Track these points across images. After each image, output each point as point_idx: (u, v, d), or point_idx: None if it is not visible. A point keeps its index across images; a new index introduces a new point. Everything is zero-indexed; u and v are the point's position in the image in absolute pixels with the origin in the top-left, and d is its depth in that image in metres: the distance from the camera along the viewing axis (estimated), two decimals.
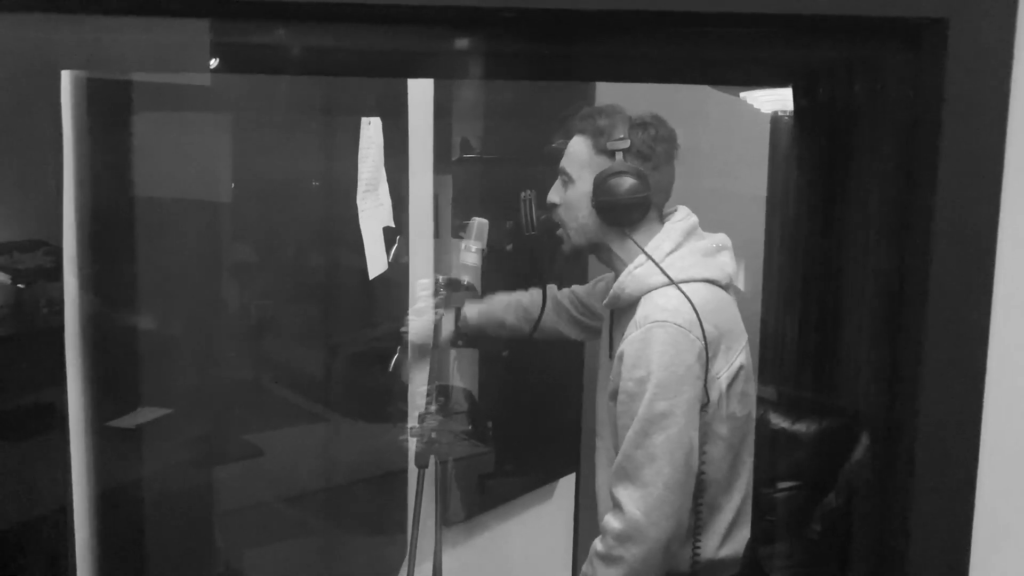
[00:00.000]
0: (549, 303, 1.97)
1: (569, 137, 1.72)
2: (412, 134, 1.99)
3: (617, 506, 1.57)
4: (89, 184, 1.45)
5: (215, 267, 1.99)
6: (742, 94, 1.55)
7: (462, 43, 0.93)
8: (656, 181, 1.64)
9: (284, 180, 1.98)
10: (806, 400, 1.34)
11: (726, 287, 1.67)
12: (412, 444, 1.93)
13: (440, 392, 1.98)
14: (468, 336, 2.05)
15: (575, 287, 2.01)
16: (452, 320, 1.96)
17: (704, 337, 1.54)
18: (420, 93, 1.99)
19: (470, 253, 1.86)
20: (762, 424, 1.65)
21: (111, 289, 1.59)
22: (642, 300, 1.62)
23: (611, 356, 1.69)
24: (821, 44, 0.86)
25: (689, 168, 1.72)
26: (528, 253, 2.20)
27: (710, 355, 1.56)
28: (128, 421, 1.76)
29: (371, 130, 1.94)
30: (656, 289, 1.61)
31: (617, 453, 1.60)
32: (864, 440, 1.02)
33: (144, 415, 1.79)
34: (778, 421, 1.62)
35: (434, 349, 1.97)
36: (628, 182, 1.61)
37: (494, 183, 2.31)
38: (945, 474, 0.79)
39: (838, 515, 1.48)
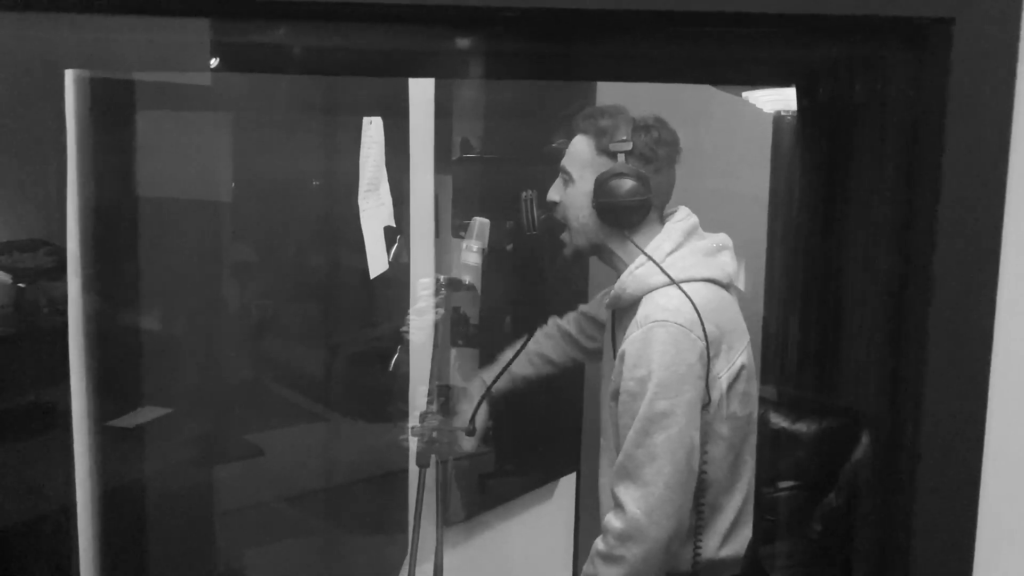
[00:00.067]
0: (557, 335, 1.99)
1: (571, 136, 1.72)
2: (413, 133, 1.99)
3: (618, 505, 1.57)
4: (91, 184, 1.45)
5: (216, 267, 1.99)
6: (744, 94, 1.55)
7: (463, 42, 0.93)
8: (657, 184, 1.64)
9: (285, 180, 1.98)
10: (808, 400, 1.34)
11: (727, 287, 1.67)
12: (413, 443, 1.93)
13: (441, 392, 1.98)
14: (470, 337, 2.05)
15: (581, 307, 2.01)
16: (477, 395, 1.94)
17: (705, 337, 1.54)
18: (421, 92, 1.99)
19: (471, 253, 1.85)
20: (764, 424, 1.65)
21: (113, 288, 1.59)
22: (643, 300, 1.62)
23: (614, 356, 1.69)
24: (825, 44, 0.86)
25: (691, 168, 1.72)
26: (528, 253, 2.20)
27: (711, 355, 1.56)
28: (128, 421, 1.76)
29: (372, 129, 1.94)
30: (657, 289, 1.61)
31: (618, 453, 1.60)
32: (866, 440, 1.02)
33: (144, 415, 1.79)
34: (780, 421, 1.62)
35: (435, 349, 1.97)
36: (629, 184, 1.61)
37: (494, 183, 2.31)
38: (949, 474, 0.79)
39: (839, 515, 1.48)
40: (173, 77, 1.61)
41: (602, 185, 1.63)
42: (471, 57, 1.00)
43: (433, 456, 1.92)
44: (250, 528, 2.01)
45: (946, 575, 0.79)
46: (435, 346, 1.96)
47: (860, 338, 0.93)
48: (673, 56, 0.95)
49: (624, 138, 1.63)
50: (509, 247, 2.07)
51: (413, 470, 1.96)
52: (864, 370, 0.92)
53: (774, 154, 1.29)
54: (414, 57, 1.01)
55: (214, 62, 0.93)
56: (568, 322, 2.01)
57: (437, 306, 1.96)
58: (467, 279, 1.90)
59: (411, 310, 2.00)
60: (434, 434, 1.90)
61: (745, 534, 1.68)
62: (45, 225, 1.57)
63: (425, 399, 1.94)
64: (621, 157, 1.63)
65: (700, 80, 1.17)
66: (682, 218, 1.69)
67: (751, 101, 1.53)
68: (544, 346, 2.00)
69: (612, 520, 1.57)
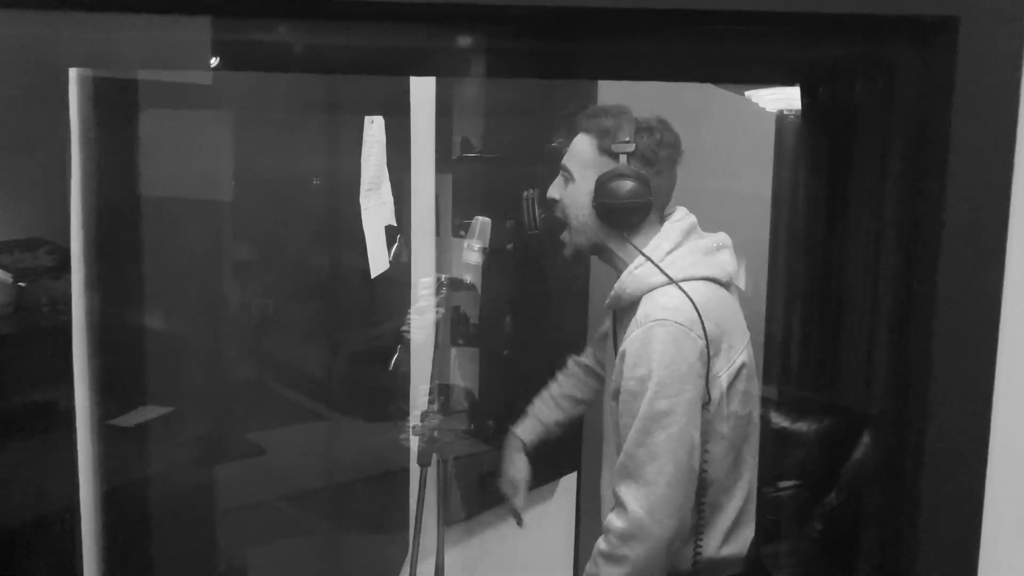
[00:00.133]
0: (578, 371, 2.01)
1: (572, 135, 1.72)
2: (414, 132, 1.99)
3: (620, 505, 1.57)
4: (94, 183, 1.44)
5: (218, 266, 1.99)
6: (747, 93, 1.55)
7: (465, 41, 0.93)
8: (658, 186, 1.64)
9: (287, 179, 1.98)
10: (811, 399, 1.34)
11: (727, 285, 1.67)
12: (414, 442, 1.93)
13: (441, 391, 1.98)
14: (471, 336, 2.05)
15: (595, 335, 2.02)
16: (518, 454, 1.95)
17: (705, 335, 1.54)
18: (422, 91, 1.99)
19: (472, 252, 1.85)
20: (766, 423, 1.65)
21: (114, 287, 1.59)
22: (643, 299, 1.62)
23: (615, 356, 1.69)
24: (829, 42, 0.86)
25: (693, 167, 1.71)
26: (529, 252, 2.20)
27: (711, 353, 1.56)
28: (128, 420, 1.75)
29: (374, 129, 1.94)
30: (657, 288, 1.61)
31: (619, 452, 1.60)
32: (866, 439, 1.02)
33: (144, 414, 1.78)
34: (783, 420, 1.62)
35: (436, 348, 1.97)
36: (630, 186, 1.61)
37: (494, 182, 2.31)
38: (954, 474, 0.79)
39: (841, 514, 1.48)
40: (175, 76, 1.60)
41: (603, 186, 1.63)
42: (473, 55, 0.99)
43: (434, 455, 1.92)
44: (251, 527, 2.01)
45: (951, 573, 0.79)
46: (436, 346, 1.96)
47: (864, 338, 0.92)
48: (676, 55, 0.95)
49: (627, 139, 1.63)
50: (509, 246, 2.07)
51: (414, 469, 1.97)
52: (868, 370, 0.92)
53: (777, 153, 1.29)
54: (416, 55, 1.00)
55: (214, 61, 0.93)
56: (586, 356, 2.03)
57: (438, 305, 1.96)
58: (468, 278, 1.91)
59: (412, 309, 2.00)
60: (435, 433, 1.90)
61: (746, 533, 1.68)
62: (46, 224, 1.57)
63: (426, 398, 1.94)
64: (623, 158, 1.63)
65: (703, 79, 1.17)
66: (680, 218, 1.69)
67: (753, 100, 1.53)
68: (568, 387, 2.01)
69: (614, 519, 1.57)
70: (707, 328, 1.54)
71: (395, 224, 2.03)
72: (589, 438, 2.41)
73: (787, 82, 1.09)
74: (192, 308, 1.90)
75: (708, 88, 1.17)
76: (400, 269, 2.05)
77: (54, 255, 1.63)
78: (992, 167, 0.76)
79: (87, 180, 1.43)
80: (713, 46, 0.90)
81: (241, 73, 1.62)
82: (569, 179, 1.70)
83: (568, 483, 2.61)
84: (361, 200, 1.93)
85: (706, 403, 1.57)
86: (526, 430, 1.97)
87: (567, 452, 2.56)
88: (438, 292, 1.96)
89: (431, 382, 1.97)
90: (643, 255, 1.63)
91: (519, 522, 1.98)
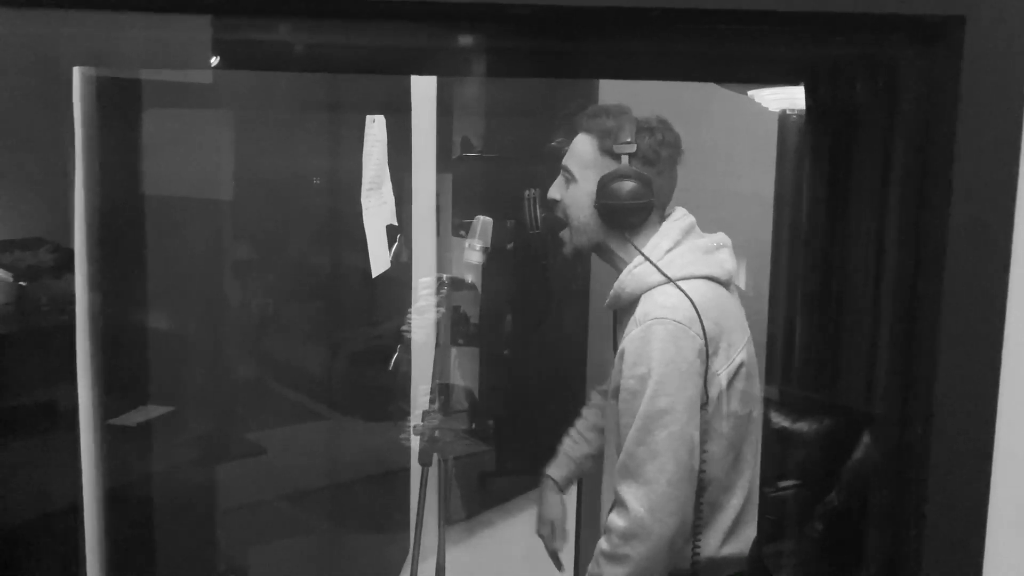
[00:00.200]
0: (603, 401, 1.98)
1: (572, 135, 1.72)
2: (415, 132, 1.98)
3: (621, 504, 1.57)
4: (97, 182, 1.44)
5: (220, 265, 1.99)
6: (749, 92, 1.55)
7: (466, 40, 0.93)
8: (659, 186, 1.64)
9: (289, 178, 1.98)
10: (814, 399, 1.33)
11: (726, 284, 1.67)
12: (415, 442, 1.93)
13: (441, 391, 1.98)
14: (471, 336, 2.05)
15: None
16: (553, 494, 1.95)
17: (704, 334, 1.54)
18: (423, 90, 1.99)
19: (474, 252, 1.85)
20: (767, 423, 1.65)
21: (116, 287, 1.59)
22: (642, 298, 1.62)
23: (614, 355, 1.69)
24: (834, 41, 0.86)
25: (695, 167, 1.71)
26: (529, 251, 2.20)
27: (710, 352, 1.56)
28: (129, 419, 1.75)
29: (375, 128, 1.94)
30: (656, 287, 1.61)
31: (619, 451, 1.60)
32: (867, 439, 1.02)
33: (145, 413, 1.78)
34: (784, 420, 1.62)
35: (437, 348, 1.97)
36: (632, 187, 1.61)
37: (495, 181, 2.31)
38: (959, 474, 0.79)
39: (840, 514, 1.48)
40: (177, 75, 1.60)
41: (605, 187, 1.63)
42: (474, 54, 0.99)
43: (435, 454, 1.92)
44: (252, 526, 2.01)
45: (955, 572, 0.79)
46: (437, 345, 1.96)
47: (868, 338, 0.92)
48: (680, 54, 0.95)
49: (628, 140, 1.63)
50: (509, 246, 2.07)
51: (414, 469, 1.97)
52: (871, 371, 0.92)
53: (779, 153, 1.29)
54: (417, 54, 1.00)
55: (215, 60, 0.93)
56: (607, 384, 2.02)
57: (438, 305, 1.96)
58: (470, 278, 1.91)
59: (412, 309, 2.00)
60: (436, 432, 1.90)
61: (748, 533, 1.68)
62: (46, 223, 1.57)
63: (426, 398, 1.94)
64: (625, 159, 1.63)
65: (707, 78, 1.17)
66: (679, 217, 1.69)
67: (756, 99, 1.53)
68: (592, 418, 2.00)
69: (615, 519, 1.57)
70: (706, 326, 1.54)
71: (396, 224, 2.03)
72: None
73: (790, 81, 1.09)
74: (193, 307, 1.90)
75: (710, 87, 1.17)
76: (400, 269, 2.05)
77: (54, 254, 1.63)
78: (997, 167, 0.76)
79: (89, 179, 1.42)
80: (716, 45, 0.89)
81: (242, 72, 1.62)
82: (570, 180, 1.69)
83: None
84: (362, 200, 1.93)
85: (704, 404, 1.57)
86: (557, 469, 1.95)
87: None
88: (439, 292, 1.96)
89: (432, 382, 1.97)
90: (642, 255, 1.63)
91: (559, 566, 1.96)
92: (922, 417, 0.79)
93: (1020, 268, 0.76)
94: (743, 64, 1.00)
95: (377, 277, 2.00)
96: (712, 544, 1.65)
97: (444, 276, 1.97)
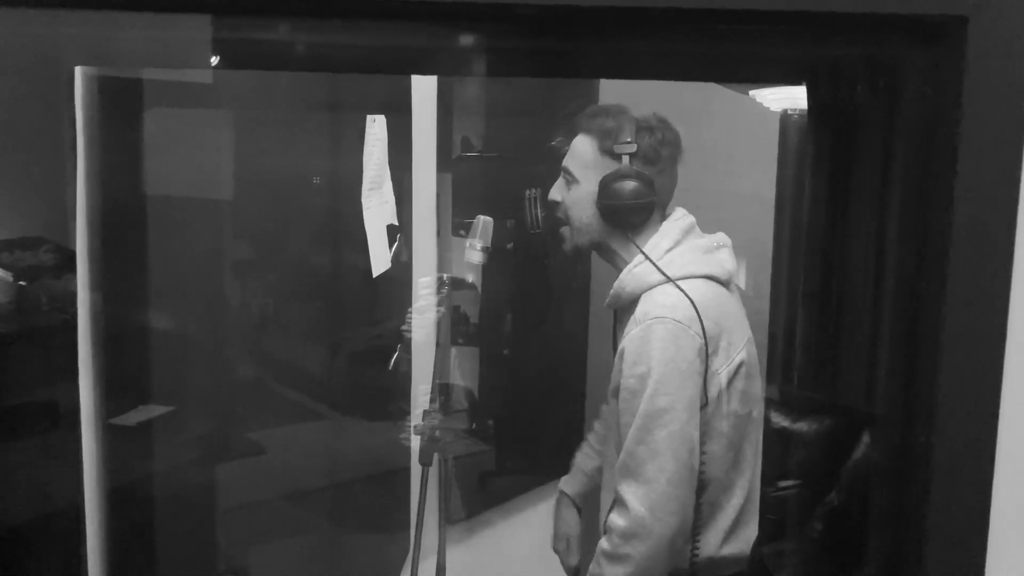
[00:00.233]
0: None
1: (571, 135, 1.72)
2: (415, 131, 1.98)
3: (621, 503, 1.57)
4: (98, 182, 1.44)
5: (220, 265, 1.99)
6: (751, 92, 1.55)
7: (467, 39, 0.93)
8: (661, 185, 1.65)
9: (289, 178, 1.98)
10: (815, 400, 1.33)
11: (726, 284, 1.67)
12: (415, 441, 1.93)
13: (442, 390, 1.98)
14: (470, 335, 2.05)
15: None
16: (568, 510, 1.94)
17: (704, 333, 1.54)
18: (424, 90, 1.99)
19: (475, 252, 1.85)
20: (768, 423, 1.65)
21: (116, 286, 1.58)
22: (642, 297, 1.62)
23: (614, 355, 1.69)
24: (836, 41, 0.86)
25: (696, 167, 1.72)
26: (529, 251, 2.20)
27: (710, 351, 1.56)
28: (129, 419, 1.75)
29: (376, 127, 1.94)
30: (656, 287, 1.61)
31: (619, 451, 1.60)
32: (871, 439, 1.02)
33: (145, 413, 1.78)
34: (785, 420, 1.62)
35: (437, 347, 1.97)
36: (634, 187, 1.61)
37: (494, 181, 2.31)
38: (961, 475, 0.79)
39: (840, 514, 1.48)
40: (178, 75, 1.60)
41: (607, 187, 1.63)
42: (474, 54, 0.99)
43: (436, 454, 1.92)
44: (252, 526, 2.01)
45: (958, 572, 0.79)
46: (437, 345, 1.96)
47: (870, 338, 0.92)
48: (681, 54, 0.94)
49: (628, 139, 1.63)
50: (509, 245, 2.07)
51: (415, 469, 1.96)
52: (874, 371, 0.92)
53: (781, 153, 1.29)
54: (417, 54, 1.00)
55: (215, 60, 0.93)
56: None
57: (438, 304, 1.96)
58: (470, 278, 1.91)
59: (412, 308, 2.00)
60: (436, 432, 1.90)
61: (748, 533, 1.68)
62: (46, 223, 1.56)
63: (427, 397, 1.94)
64: (625, 159, 1.63)
65: (709, 78, 1.17)
66: (679, 217, 1.69)
67: (757, 99, 1.53)
68: (604, 432, 1.99)
69: (616, 518, 1.57)
70: (706, 326, 1.54)
71: (397, 223, 2.03)
72: None
73: (792, 81, 1.09)
74: (193, 307, 1.89)
75: (711, 87, 1.17)
76: (401, 268, 2.05)
77: (54, 254, 1.63)
78: (1000, 167, 0.76)
79: (91, 179, 1.42)
80: (718, 45, 0.89)
81: (243, 72, 1.62)
82: (571, 181, 1.69)
83: None
84: (363, 199, 1.93)
85: (703, 404, 1.57)
86: (571, 484, 1.95)
87: (567, 452, 2.56)
88: (439, 291, 1.96)
89: (432, 381, 1.97)
90: (643, 253, 1.64)
91: None
92: (924, 417, 0.79)
93: (1023, 268, 0.76)
94: (745, 64, 1.00)
95: (377, 277, 2.00)
96: (711, 544, 1.65)
97: (444, 276, 1.97)
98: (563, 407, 2.52)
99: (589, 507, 1.95)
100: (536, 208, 1.78)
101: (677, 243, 1.65)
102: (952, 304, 0.76)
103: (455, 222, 2.18)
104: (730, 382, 1.61)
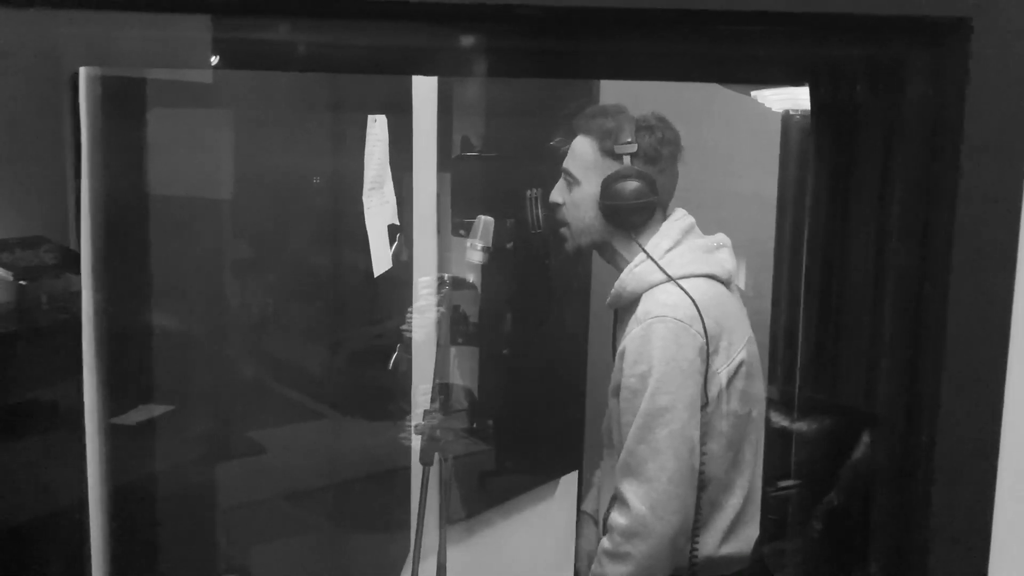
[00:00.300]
0: None
1: (571, 136, 1.72)
2: (416, 131, 1.98)
3: (622, 502, 1.57)
4: (100, 181, 1.44)
5: (220, 264, 1.98)
6: (753, 93, 1.55)
7: (468, 40, 0.93)
8: (662, 184, 1.65)
9: (290, 178, 1.98)
10: (817, 400, 1.34)
11: (727, 283, 1.67)
12: (415, 441, 1.93)
13: (441, 390, 1.98)
14: (470, 335, 2.05)
15: None
16: (589, 527, 1.93)
17: (705, 332, 1.54)
18: (424, 90, 1.98)
19: (476, 251, 1.85)
20: (769, 423, 1.65)
21: (117, 286, 1.58)
22: (643, 297, 1.62)
23: (615, 354, 1.69)
24: (838, 43, 0.86)
25: (698, 168, 1.72)
26: (529, 251, 2.19)
27: (711, 350, 1.56)
28: (130, 418, 1.75)
29: (377, 127, 1.93)
30: (656, 286, 1.61)
31: (620, 450, 1.60)
32: (872, 439, 1.02)
33: (145, 412, 1.78)
34: (785, 420, 1.62)
35: (438, 347, 1.97)
36: (636, 187, 1.62)
37: (494, 181, 2.31)
38: (964, 475, 0.79)
39: (839, 514, 1.47)
40: (180, 75, 1.60)
41: (608, 187, 1.63)
42: (475, 55, 0.99)
43: (436, 454, 1.92)
44: (252, 526, 2.01)
45: (960, 571, 0.79)
46: (437, 345, 1.96)
47: (873, 338, 0.92)
48: (682, 54, 0.94)
49: (628, 140, 1.63)
50: (509, 245, 2.07)
51: (415, 468, 1.96)
52: (876, 370, 0.92)
53: (783, 153, 1.29)
54: (418, 54, 1.00)
55: (215, 60, 0.93)
56: None
57: (438, 304, 1.96)
58: (471, 278, 1.91)
59: (412, 308, 2.00)
60: (437, 432, 1.90)
61: (747, 532, 1.68)
62: (46, 222, 1.56)
63: (427, 397, 1.94)
64: (626, 159, 1.63)
65: (710, 79, 1.17)
66: (679, 217, 1.70)
67: (759, 100, 1.53)
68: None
69: (617, 517, 1.57)
70: (707, 325, 1.55)
71: (398, 223, 2.03)
72: (589, 438, 2.42)
73: (794, 82, 1.09)
74: (194, 306, 1.89)
75: (712, 88, 1.17)
76: (401, 268, 2.05)
77: (55, 253, 1.62)
78: (1003, 168, 0.76)
79: (93, 178, 1.42)
80: (719, 45, 0.89)
81: (243, 72, 1.62)
82: (572, 182, 1.69)
83: (568, 482, 2.61)
84: (364, 199, 1.93)
85: (704, 404, 1.57)
86: (592, 502, 1.94)
87: (567, 451, 2.56)
88: (439, 291, 1.96)
89: (432, 381, 1.97)
90: (644, 252, 1.64)
91: None
92: (927, 417, 0.79)
93: None
94: (746, 64, 1.00)
95: (377, 276, 1.99)
96: (711, 543, 1.65)
97: (445, 275, 1.97)
98: (563, 407, 2.52)
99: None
100: (537, 208, 1.79)
101: (677, 243, 1.65)
102: (955, 304, 0.76)
103: (455, 222, 2.18)
104: (730, 382, 1.62)
